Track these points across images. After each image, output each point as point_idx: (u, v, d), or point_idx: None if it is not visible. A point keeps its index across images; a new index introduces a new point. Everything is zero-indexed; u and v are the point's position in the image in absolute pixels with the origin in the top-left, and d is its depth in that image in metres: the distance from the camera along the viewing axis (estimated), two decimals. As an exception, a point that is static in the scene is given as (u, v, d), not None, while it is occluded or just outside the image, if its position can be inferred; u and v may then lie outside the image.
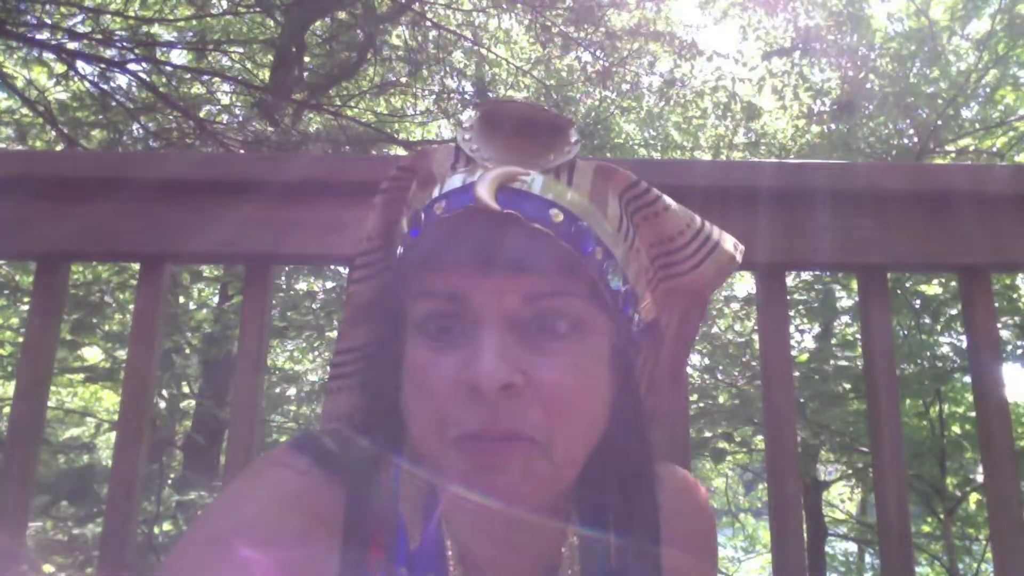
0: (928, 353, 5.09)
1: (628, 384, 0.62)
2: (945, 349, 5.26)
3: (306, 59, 6.89)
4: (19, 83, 5.97)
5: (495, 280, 0.55)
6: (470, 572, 0.61)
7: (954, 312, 5.06)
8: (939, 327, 5.23)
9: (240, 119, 6.54)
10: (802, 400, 4.97)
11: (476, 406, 0.54)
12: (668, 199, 0.66)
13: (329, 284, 6.05)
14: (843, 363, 5.18)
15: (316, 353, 7.20)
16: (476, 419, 0.54)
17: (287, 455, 0.62)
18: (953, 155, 7.27)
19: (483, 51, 7.97)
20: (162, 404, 4.30)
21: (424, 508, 0.61)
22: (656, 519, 0.66)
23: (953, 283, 5.11)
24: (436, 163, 0.63)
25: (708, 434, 5.22)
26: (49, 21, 5.56)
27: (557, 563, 0.64)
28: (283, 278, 5.80)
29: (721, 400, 5.50)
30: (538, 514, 0.60)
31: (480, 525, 0.62)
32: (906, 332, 5.34)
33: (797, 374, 5.24)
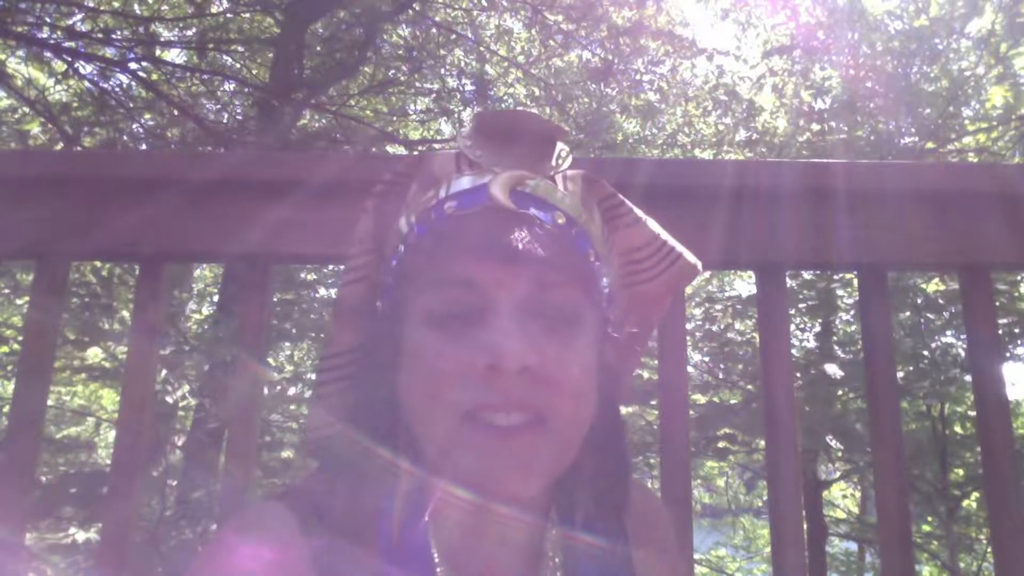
0: (927, 353, 5.09)
1: (607, 380, 0.67)
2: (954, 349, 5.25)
3: (306, 58, 6.87)
4: (18, 82, 5.96)
5: (511, 271, 0.60)
6: (456, 568, 0.62)
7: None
8: (940, 323, 5.22)
9: (240, 118, 6.53)
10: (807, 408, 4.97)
11: (492, 384, 0.58)
12: (639, 212, 0.71)
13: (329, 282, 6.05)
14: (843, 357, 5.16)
15: (320, 355, 7.18)
16: (492, 396, 0.58)
17: (263, 514, 0.63)
18: (953, 154, 7.26)
19: (483, 49, 7.96)
20: (168, 401, 4.31)
21: (413, 506, 0.62)
22: (623, 518, 0.71)
23: (953, 284, 5.10)
24: (438, 167, 0.67)
25: (711, 434, 5.22)
26: (49, 20, 5.56)
27: (539, 558, 0.66)
28: (285, 280, 5.79)
29: (732, 401, 5.50)
30: (524, 508, 0.63)
31: (468, 518, 0.63)
32: (907, 332, 5.34)
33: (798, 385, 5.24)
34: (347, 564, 0.59)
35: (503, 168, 0.65)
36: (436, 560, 0.61)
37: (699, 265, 0.73)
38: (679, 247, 0.72)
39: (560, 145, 0.70)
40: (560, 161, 0.69)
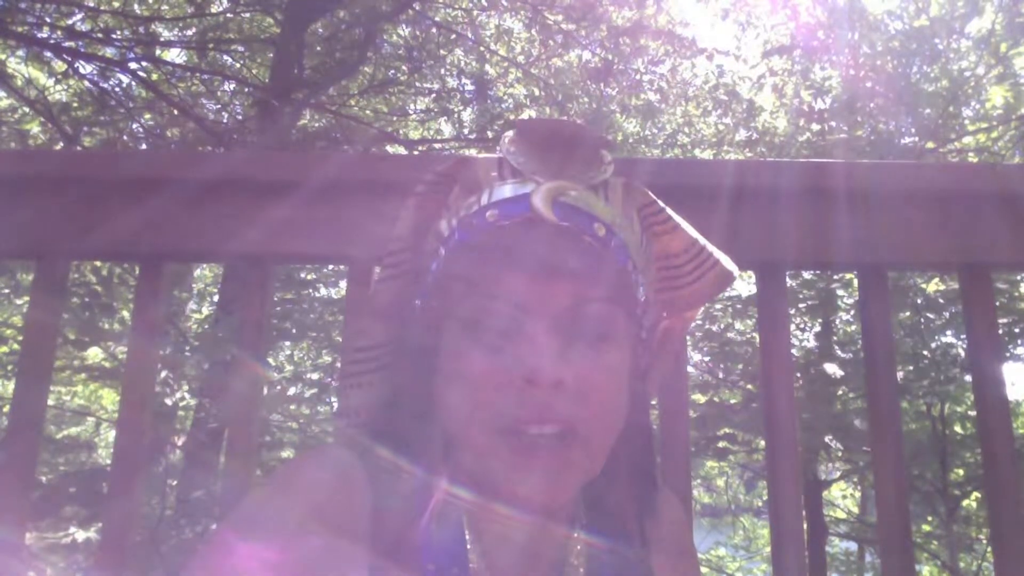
0: (927, 353, 5.09)
1: (639, 387, 0.68)
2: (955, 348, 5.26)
3: (306, 58, 6.87)
4: (18, 82, 5.97)
5: (548, 284, 0.61)
6: (488, 563, 0.63)
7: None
8: (940, 323, 5.23)
9: (240, 118, 6.54)
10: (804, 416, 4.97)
11: (527, 398, 0.58)
12: (677, 218, 0.70)
13: (331, 281, 6.05)
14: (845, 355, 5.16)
15: (323, 354, 7.20)
16: (528, 408, 0.58)
17: (329, 453, 0.66)
18: (953, 154, 7.27)
19: (483, 49, 7.96)
20: (168, 402, 4.31)
21: (446, 506, 0.63)
22: (646, 524, 0.72)
23: (953, 284, 5.10)
24: (481, 171, 0.68)
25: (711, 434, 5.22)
26: (49, 20, 5.56)
27: (562, 563, 0.67)
28: (285, 278, 5.79)
29: (732, 401, 5.51)
30: (552, 514, 0.64)
31: (498, 520, 0.63)
32: (907, 332, 5.34)
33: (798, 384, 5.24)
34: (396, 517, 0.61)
35: (545, 176, 0.65)
36: (471, 558, 0.62)
37: (735, 271, 0.73)
38: (717, 253, 0.72)
39: (602, 153, 0.71)
40: (602, 170, 0.69)
